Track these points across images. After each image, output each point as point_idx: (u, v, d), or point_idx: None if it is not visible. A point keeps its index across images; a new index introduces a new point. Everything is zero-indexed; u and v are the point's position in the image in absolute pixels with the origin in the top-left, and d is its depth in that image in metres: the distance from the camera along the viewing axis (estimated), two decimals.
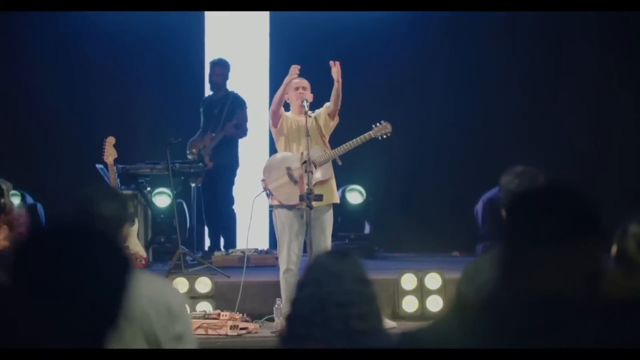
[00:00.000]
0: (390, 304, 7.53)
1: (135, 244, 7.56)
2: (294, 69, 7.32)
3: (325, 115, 7.36)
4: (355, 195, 9.97)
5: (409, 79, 10.59)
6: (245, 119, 9.45)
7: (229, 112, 9.31)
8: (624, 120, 10.39)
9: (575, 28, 10.49)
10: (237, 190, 9.66)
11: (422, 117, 10.18)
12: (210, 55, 10.35)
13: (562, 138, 10.45)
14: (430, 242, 10.06)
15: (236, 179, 9.60)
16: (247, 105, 9.53)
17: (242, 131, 9.46)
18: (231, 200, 9.52)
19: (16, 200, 9.50)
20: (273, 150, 10.45)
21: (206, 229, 9.82)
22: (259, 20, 10.66)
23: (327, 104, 7.37)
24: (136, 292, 3.33)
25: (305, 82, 7.40)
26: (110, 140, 7.76)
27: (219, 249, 9.35)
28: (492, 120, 10.58)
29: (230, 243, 9.47)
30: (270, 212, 7.45)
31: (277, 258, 9.18)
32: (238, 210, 9.62)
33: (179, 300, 3.35)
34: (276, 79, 10.19)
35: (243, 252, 9.01)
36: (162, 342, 3.24)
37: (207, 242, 9.87)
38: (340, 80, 7.23)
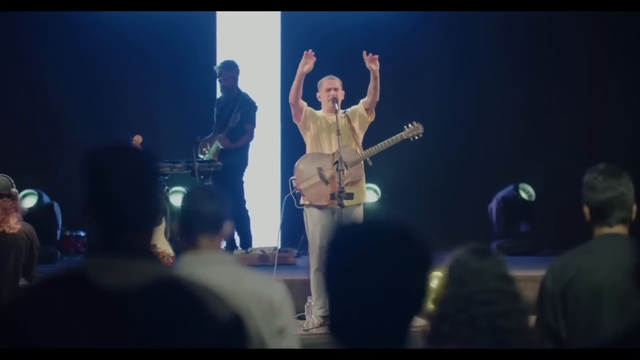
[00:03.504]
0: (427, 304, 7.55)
1: (162, 242, 7.57)
2: (308, 55, 7.34)
3: (362, 111, 7.40)
4: (371, 194, 10.00)
5: (420, 77, 10.65)
6: (250, 123, 9.34)
7: (241, 114, 9.28)
8: (621, 118, 10.53)
9: (574, 28, 10.60)
10: (248, 190, 9.67)
11: (435, 116, 10.21)
12: (221, 55, 10.34)
13: (571, 136, 10.56)
14: (444, 241, 10.09)
15: (246, 179, 9.58)
16: (258, 106, 9.46)
17: (247, 136, 9.35)
18: (243, 200, 9.50)
19: (33, 200, 9.51)
20: (285, 149, 10.51)
21: None
22: (270, 20, 10.67)
23: (363, 100, 7.41)
24: (237, 288, 3.38)
25: (336, 82, 7.43)
26: (137, 139, 7.75)
27: (237, 248, 9.36)
28: (504, 119, 10.66)
29: (246, 242, 9.48)
30: (301, 210, 7.47)
31: (296, 256, 9.29)
32: (249, 209, 9.63)
33: (282, 294, 3.38)
34: (287, 79, 10.19)
35: (263, 250, 9.05)
36: (265, 337, 3.28)
37: (223, 242, 9.82)
38: (377, 73, 7.28)
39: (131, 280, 2.03)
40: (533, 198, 10.10)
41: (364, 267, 1.91)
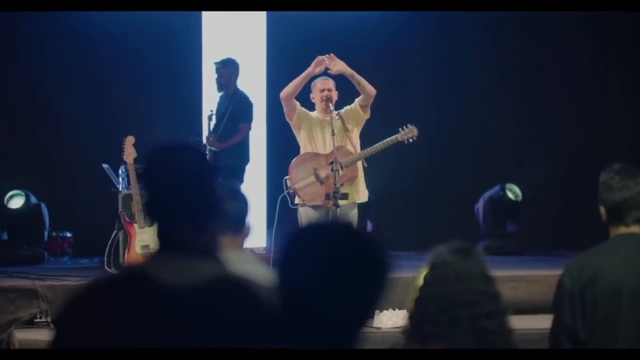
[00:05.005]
0: (410, 302, 7.58)
1: (156, 243, 7.53)
2: (329, 57, 7.34)
3: (357, 109, 7.41)
4: None
5: (408, 78, 10.65)
6: (243, 122, 9.26)
7: (232, 112, 9.23)
8: (621, 118, 10.61)
9: (574, 28, 10.66)
10: None
11: (422, 117, 10.24)
12: (207, 55, 10.31)
13: (570, 136, 10.64)
14: (431, 241, 10.10)
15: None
16: (253, 104, 9.41)
17: (240, 135, 9.25)
18: None
19: (20, 201, 9.43)
20: (271, 149, 10.51)
21: None
22: (256, 20, 10.66)
23: (358, 98, 7.43)
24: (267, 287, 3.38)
25: (329, 83, 7.45)
26: (130, 140, 7.70)
27: None
28: (504, 119, 10.70)
29: None
30: (293, 210, 7.48)
31: None
32: None
33: None
34: (273, 79, 10.22)
35: (252, 251, 9.04)
36: None
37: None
38: (347, 71, 7.27)
39: (191, 278, 2.04)
40: (519, 198, 10.14)
41: (318, 267, 1.92)
